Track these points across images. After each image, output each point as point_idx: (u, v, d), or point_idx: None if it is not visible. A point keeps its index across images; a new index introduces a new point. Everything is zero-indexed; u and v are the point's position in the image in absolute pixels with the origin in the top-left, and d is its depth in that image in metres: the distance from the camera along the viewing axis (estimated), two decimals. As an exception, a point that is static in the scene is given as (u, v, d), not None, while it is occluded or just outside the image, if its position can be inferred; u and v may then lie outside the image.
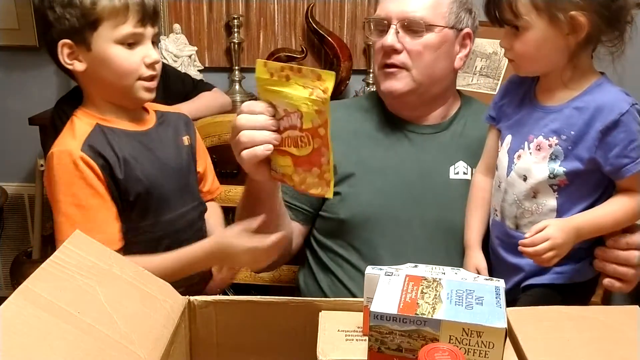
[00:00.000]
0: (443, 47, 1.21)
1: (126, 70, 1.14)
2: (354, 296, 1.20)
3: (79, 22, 1.10)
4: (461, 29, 1.23)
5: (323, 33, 2.18)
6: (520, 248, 0.98)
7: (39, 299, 0.67)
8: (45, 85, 1.64)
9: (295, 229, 1.28)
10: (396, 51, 1.20)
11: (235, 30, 2.21)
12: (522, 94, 1.08)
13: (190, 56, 2.21)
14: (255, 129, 0.91)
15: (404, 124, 1.28)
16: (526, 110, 1.06)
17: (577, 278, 1.04)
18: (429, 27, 1.19)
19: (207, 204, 1.33)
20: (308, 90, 0.88)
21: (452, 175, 1.23)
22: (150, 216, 1.18)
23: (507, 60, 1.87)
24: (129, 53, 1.13)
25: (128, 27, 1.12)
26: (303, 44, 2.26)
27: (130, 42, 1.13)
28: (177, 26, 2.23)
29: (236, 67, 2.24)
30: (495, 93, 1.86)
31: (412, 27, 1.19)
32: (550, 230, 0.96)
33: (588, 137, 0.97)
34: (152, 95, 1.19)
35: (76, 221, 1.09)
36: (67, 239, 0.92)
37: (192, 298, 0.84)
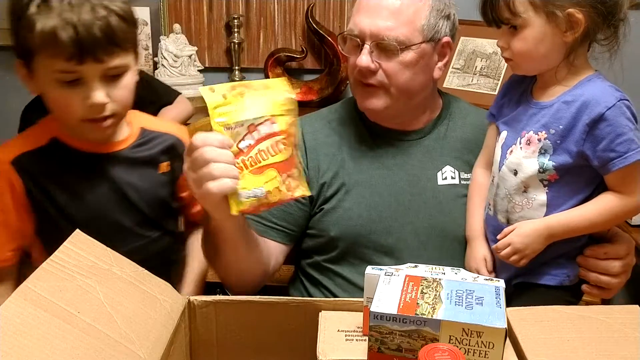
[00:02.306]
0: (421, 62, 1.15)
1: (63, 111, 1.01)
2: None
3: (19, 45, 0.99)
4: (439, 39, 1.17)
5: (323, 33, 2.18)
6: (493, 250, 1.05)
7: (38, 298, 0.68)
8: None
9: (277, 249, 1.21)
10: (372, 71, 1.14)
11: (236, 30, 2.21)
12: (521, 92, 1.09)
13: (190, 56, 2.21)
14: (226, 162, 0.88)
15: (387, 132, 1.24)
16: (522, 108, 1.07)
17: (567, 282, 1.05)
18: (404, 47, 1.12)
19: (197, 229, 1.24)
20: (268, 96, 0.88)
21: (440, 182, 1.20)
22: None
23: (506, 60, 1.89)
24: (67, 93, 0.99)
25: (57, 64, 0.96)
26: (303, 44, 2.26)
27: (72, 80, 0.98)
28: (177, 26, 2.23)
29: (236, 67, 2.24)
30: (495, 93, 1.86)
31: (387, 48, 1.12)
32: (512, 236, 1.01)
33: (575, 131, 0.98)
34: (112, 134, 1.08)
35: None
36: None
37: (192, 298, 0.84)
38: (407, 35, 1.12)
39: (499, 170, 1.07)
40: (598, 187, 1.02)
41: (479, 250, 1.10)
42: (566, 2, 0.95)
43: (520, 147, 1.03)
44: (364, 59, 1.13)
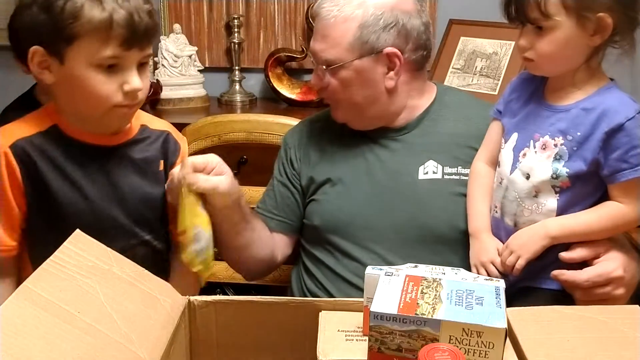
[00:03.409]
0: (360, 77, 1.20)
1: (98, 97, 1.02)
2: (331, 295, 1.23)
3: (54, 32, 0.98)
4: (379, 52, 1.18)
5: (323, 33, 2.18)
6: None
7: (39, 298, 0.68)
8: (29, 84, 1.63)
9: (282, 241, 1.32)
10: (324, 88, 1.23)
11: (236, 30, 2.21)
12: (531, 91, 1.08)
13: (190, 56, 2.21)
14: None
15: (371, 130, 1.28)
16: (533, 108, 1.06)
17: None
18: (336, 67, 1.19)
19: None
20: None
21: (421, 176, 1.22)
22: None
23: (507, 60, 1.89)
24: (106, 78, 1.01)
25: (108, 50, 0.99)
26: (303, 44, 2.26)
27: (111, 65, 1.01)
28: (177, 26, 2.22)
29: (236, 67, 2.24)
30: (495, 93, 1.86)
31: (327, 68, 1.20)
32: (510, 239, 1.04)
33: (593, 139, 0.98)
34: (127, 123, 1.11)
35: None
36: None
37: (192, 298, 0.84)
38: (335, 56, 1.19)
39: (510, 173, 1.06)
40: (604, 194, 1.02)
41: (489, 243, 1.09)
42: (599, 6, 0.95)
43: (535, 152, 1.03)
44: (313, 77, 1.25)
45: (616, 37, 0.99)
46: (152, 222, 1.16)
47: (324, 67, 1.20)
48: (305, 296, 1.27)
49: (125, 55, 1.01)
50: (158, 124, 1.21)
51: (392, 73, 1.21)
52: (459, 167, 1.21)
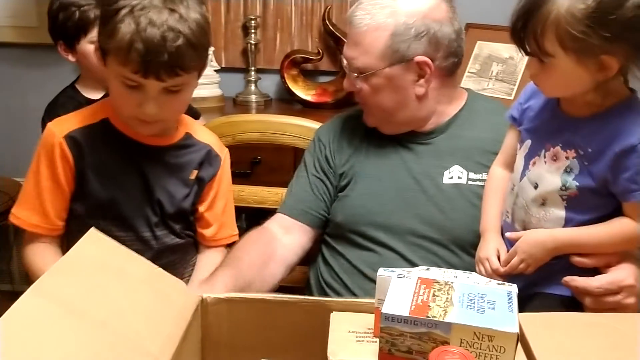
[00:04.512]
0: (390, 85, 1.22)
1: (119, 106, 1.12)
2: (348, 287, 1.26)
3: (102, 42, 1.09)
4: (410, 60, 1.20)
5: (339, 35, 2.18)
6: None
7: (53, 295, 0.68)
8: (64, 82, 1.67)
9: (305, 234, 1.34)
10: (357, 92, 1.26)
11: (252, 31, 2.22)
12: (547, 100, 1.06)
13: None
14: None
15: (399, 134, 1.30)
16: (548, 117, 1.04)
17: None
18: (367, 75, 1.22)
19: (208, 250, 1.29)
20: None
21: (445, 180, 1.24)
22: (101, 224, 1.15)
23: (523, 65, 1.88)
24: (127, 94, 1.07)
25: (126, 72, 1.04)
26: (319, 46, 2.26)
27: (131, 85, 1.06)
28: (194, 26, 2.24)
29: (252, 68, 2.25)
30: (511, 98, 1.85)
31: (358, 75, 1.23)
32: (518, 243, 1.03)
33: (604, 157, 0.96)
34: (151, 131, 1.15)
35: (27, 191, 1.18)
36: (17, 200, 1.18)
37: (204, 295, 0.85)
38: (366, 63, 1.22)
39: (520, 180, 1.05)
40: (618, 207, 1.00)
41: (490, 242, 1.09)
42: (599, 49, 0.90)
43: (545, 161, 1.01)
44: (345, 81, 1.29)
45: (628, 69, 0.94)
46: (176, 226, 1.23)
47: (355, 74, 1.23)
48: (321, 287, 1.30)
49: (142, 82, 1.05)
50: (203, 134, 1.26)
51: (422, 81, 1.23)
52: (484, 174, 1.22)
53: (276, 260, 1.27)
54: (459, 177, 1.23)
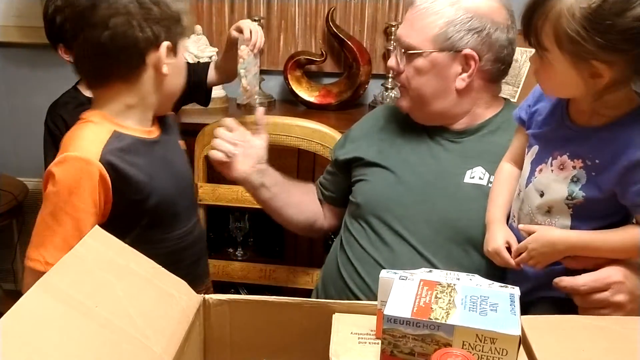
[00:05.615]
0: (434, 70, 1.24)
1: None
2: (359, 273, 1.29)
3: (169, 30, 1.15)
4: (458, 51, 1.22)
5: (343, 37, 2.18)
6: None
7: (58, 291, 0.69)
8: (69, 82, 1.67)
9: (330, 211, 1.50)
10: (399, 72, 1.29)
11: (256, 32, 2.22)
12: (555, 105, 1.04)
13: (211, 57, 2.22)
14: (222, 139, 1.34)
15: (431, 128, 1.33)
16: (556, 125, 1.02)
17: None
18: (415, 53, 1.24)
19: None
20: None
21: (466, 179, 1.25)
22: (158, 232, 1.19)
23: (527, 68, 1.87)
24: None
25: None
26: (323, 48, 2.27)
27: None
28: (198, 27, 2.24)
29: (256, 69, 2.25)
30: (515, 100, 1.85)
31: (406, 52, 1.26)
32: (530, 240, 1.02)
33: (612, 170, 0.94)
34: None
35: (65, 234, 1.09)
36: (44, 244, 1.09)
37: (207, 296, 0.85)
38: (417, 42, 1.24)
39: (526, 186, 1.05)
40: (626, 215, 0.98)
41: (497, 233, 1.08)
42: (591, 54, 0.87)
43: (552, 170, 1.00)
44: (391, 60, 1.31)
45: (627, 79, 0.91)
46: (195, 205, 1.33)
47: (403, 50, 1.26)
48: (338, 268, 1.34)
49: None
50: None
51: (465, 75, 1.24)
52: None
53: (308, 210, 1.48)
54: (480, 178, 1.24)
